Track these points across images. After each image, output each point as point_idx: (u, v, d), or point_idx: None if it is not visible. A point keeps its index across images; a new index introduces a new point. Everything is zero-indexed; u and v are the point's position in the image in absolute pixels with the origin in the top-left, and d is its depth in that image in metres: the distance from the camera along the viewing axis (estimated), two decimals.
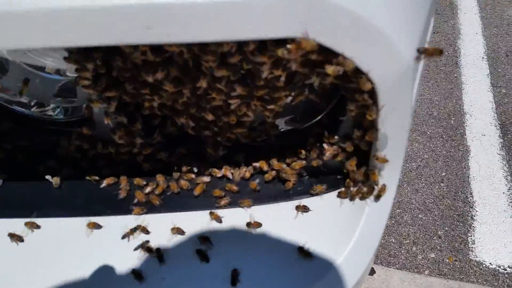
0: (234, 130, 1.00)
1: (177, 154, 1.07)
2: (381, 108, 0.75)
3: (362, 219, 0.94)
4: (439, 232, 2.39)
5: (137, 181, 1.06)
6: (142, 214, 1.05)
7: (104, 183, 1.08)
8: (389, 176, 0.92)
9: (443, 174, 2.65)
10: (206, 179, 1.07)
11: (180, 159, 1.07)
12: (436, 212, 2.47)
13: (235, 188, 1.04)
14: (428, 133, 2.91)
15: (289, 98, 0.88)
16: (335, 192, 1.01)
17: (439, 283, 2.14)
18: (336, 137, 0.96)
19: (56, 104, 1.21)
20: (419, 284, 2.13)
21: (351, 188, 0.97)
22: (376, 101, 0.74)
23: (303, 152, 1.02)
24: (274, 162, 1.04)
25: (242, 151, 1.09)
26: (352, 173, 0.95)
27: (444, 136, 2.86)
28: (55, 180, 1.07)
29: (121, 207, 1.06)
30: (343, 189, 0.99)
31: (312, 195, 1.02)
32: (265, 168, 1.04)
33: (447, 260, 2.28)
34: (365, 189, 0.94)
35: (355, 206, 0.97)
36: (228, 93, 0.85)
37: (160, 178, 1.08)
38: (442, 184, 2.60)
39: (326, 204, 1.00)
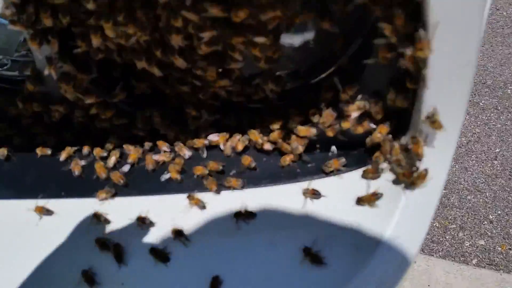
0: (218, 82, 0.69)
1: (146, 119, 0.77)
2: (433, 30, 0.42)
3: (396, 212, 0.62)
4: (491, 216, 2.01)
5: (97, 151, 0.79)
6: (108, 198, 0.77)
7: (62, 156, 0.81)
8: (440, 151, 0.59)
9: (497, 150, 2.24)
10: (187, 152, 0.77)
11: (151, 125, 0.78)
12: (487, 194, 2.08)
13: (217, 167, 0.75)
14: (480, 104, 2.48)
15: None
16: (359, 171, 0.69)
17: (489, 275, 1.77)
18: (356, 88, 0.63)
19: (20, 58, 0.95)
20: (466, 276, 1.77)
21: (381, 165, 0.64)
22: (425, 21, 0.42)
23: (315, 114, 0.70)
24: (274, 128, 0.73)
25: (234, 114, 0.78)
26: (384, 144, 0.63)
27: (499, 108, 2.42)
28: (1, 151, 0.82)
29: (81, 188, 0.79)
30: (369, 166, 0.67)
31: (326, 173, 0.70)
32: (259, 140, 0.73)
33: (500, 249, 1.90)
34: (401, 168, 0.62)
35: (386, 192, 0.65)
36: (198, 20, 0.55)
37: (128, 147, 0.79)
38: (495, 162, 2.19)
39: (345, 187, 0.68)
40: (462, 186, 2.11)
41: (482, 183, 2.12)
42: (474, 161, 2.20)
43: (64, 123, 0.81)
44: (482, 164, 2.19)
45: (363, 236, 0.63)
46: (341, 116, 0.67)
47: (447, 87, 0.54)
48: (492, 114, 2.41)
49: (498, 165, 2.18)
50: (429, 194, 0.63)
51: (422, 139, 0.58)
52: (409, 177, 0.60)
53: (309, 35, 0.72)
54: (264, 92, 0.73)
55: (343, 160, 0.71)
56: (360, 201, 0.65)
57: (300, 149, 0.71)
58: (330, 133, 0.69)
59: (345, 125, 0.66)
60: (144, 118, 0.77)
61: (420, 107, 0.56)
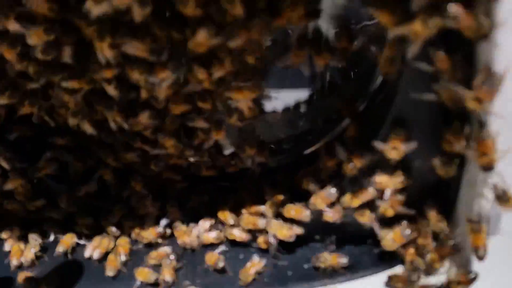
0: (183, 150, 0.48)
1: (75, 197, 0.54)
2: None
3: None
4: None
5: None
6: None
7: None
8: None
9: None
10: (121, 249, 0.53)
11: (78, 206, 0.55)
12: None
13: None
14: None
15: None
16: (380, 276, 0.45)
17: None
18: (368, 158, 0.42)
19: None
20: None
21: (418, 270, 0.41)
22: None
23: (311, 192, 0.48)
24: (249, 212, 0.50)
25: (202, 194, 0.56)
26: (422, 237, 0.40)
27: None
28: None
29: None
30: (398, 271, 0.43)
31: (318, 270, 0.46)
32: (230, 221, 0.50)
33: None
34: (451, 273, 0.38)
35: None
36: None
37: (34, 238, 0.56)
38: None
39: None
40: None
41: None
42: None
43: None
44: None
45: None
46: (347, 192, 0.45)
47: None
48: None
49: None
50: None
51: (485, 226, 0.35)
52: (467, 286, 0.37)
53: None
54: (242, 162, 0.52)
55: (343, 260, 0.47)
56: None
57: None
58: (330, 218, 0.45)
59: (354, 202, 0.43)
60: (71, 197, 0.54)
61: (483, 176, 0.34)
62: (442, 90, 0.33)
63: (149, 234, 0.53)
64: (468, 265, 0.39)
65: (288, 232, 0.47)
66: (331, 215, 0.46)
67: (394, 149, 0.39)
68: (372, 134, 0.42)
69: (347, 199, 0.43)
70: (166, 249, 0.52)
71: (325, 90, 0.53)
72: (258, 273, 0.49)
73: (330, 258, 0.48)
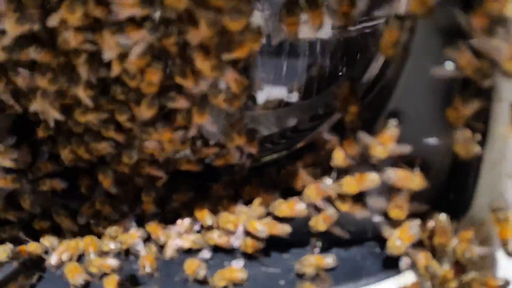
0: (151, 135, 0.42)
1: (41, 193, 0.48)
2: None
3: None
4: None
5: None
6: None
7: None
8: None
9: None
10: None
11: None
12: None
13: None
14: None
15: None
16: (385, 284, 0.39)
17: None
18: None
19: None
20: None
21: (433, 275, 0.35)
22: None
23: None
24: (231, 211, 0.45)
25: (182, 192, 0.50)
26: (440, 233, 0.34)
27: None
28: None
29: None
30: (408, 281, 0.37)
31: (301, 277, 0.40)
32: (208, 221, 0.44)
33: None
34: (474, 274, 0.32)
35: None
36: None
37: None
38: None
39: None
40: None
41: None
42: None
43: None
44: None
45: None
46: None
47: None
48: None
49: None
50: None
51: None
52: None
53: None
54: (229, 154, 0.46)
55: (329, 260, 0.41)
56: None
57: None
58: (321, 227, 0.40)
59: (352, 188, 0.38)
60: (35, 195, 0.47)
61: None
62: (464, 60, 0.29)
63: (129, 237, 0.46)
64: (494, 264, 0.33)
65: (258, 226, 0.42)
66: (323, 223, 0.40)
67: (381, 145, 0.35)
68: (369, 123, 0.38)
69: (345, 183, 0.38)
70: (112, 262, 0.45)
71: (324, 79, 0.49)
72: (234, 284, 0.42)
73: (314, 261, 0.42)
